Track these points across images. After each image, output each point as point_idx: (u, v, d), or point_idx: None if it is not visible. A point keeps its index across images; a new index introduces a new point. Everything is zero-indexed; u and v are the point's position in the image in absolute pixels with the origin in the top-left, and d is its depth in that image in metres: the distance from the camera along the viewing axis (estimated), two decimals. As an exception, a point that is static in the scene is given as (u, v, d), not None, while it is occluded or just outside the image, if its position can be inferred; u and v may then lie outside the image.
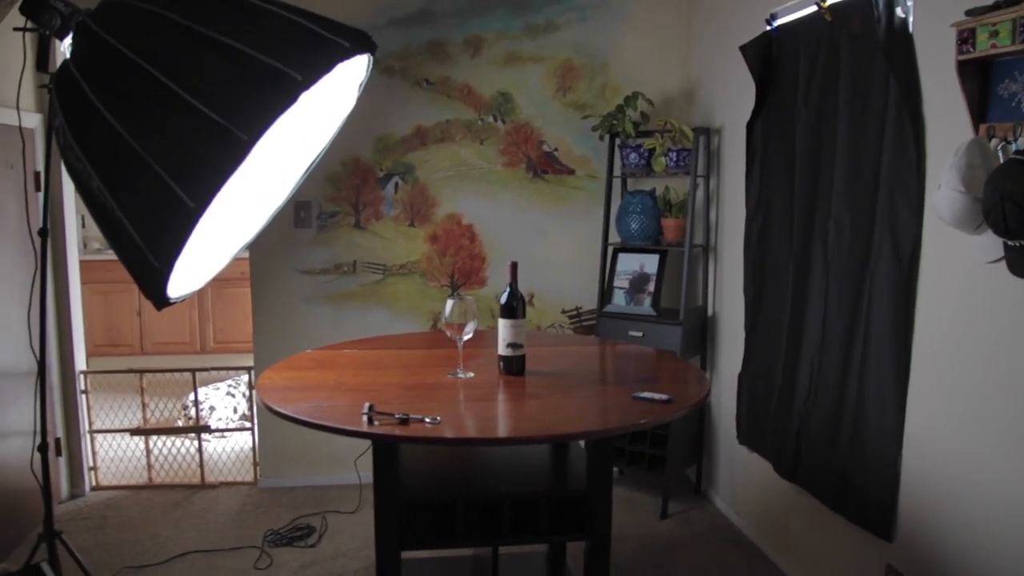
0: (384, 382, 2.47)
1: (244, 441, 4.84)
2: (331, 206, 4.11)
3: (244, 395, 5.28)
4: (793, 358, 3.21)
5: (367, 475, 4.16)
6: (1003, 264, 2.16)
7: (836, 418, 2.91)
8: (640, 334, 3.88)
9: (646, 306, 3.98)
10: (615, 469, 4.37)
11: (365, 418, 2.08)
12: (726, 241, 3.91)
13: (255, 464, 4.36)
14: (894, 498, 2.65)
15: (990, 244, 2.20)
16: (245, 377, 4.78)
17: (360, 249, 4.14)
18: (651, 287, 3.98)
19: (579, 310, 4.31)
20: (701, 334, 4.09)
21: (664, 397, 2.26)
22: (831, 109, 2.94)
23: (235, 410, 5.27)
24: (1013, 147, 2.10)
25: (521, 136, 4.16)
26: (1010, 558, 2.18)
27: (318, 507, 4.03)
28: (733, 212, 3.80)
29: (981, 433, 2.28)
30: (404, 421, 2.06)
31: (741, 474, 3.82)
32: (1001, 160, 2.10)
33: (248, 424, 4.60)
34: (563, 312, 4.29)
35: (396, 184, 4.10)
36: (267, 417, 4.17)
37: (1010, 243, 2.10)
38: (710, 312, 4.11)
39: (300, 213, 4.08)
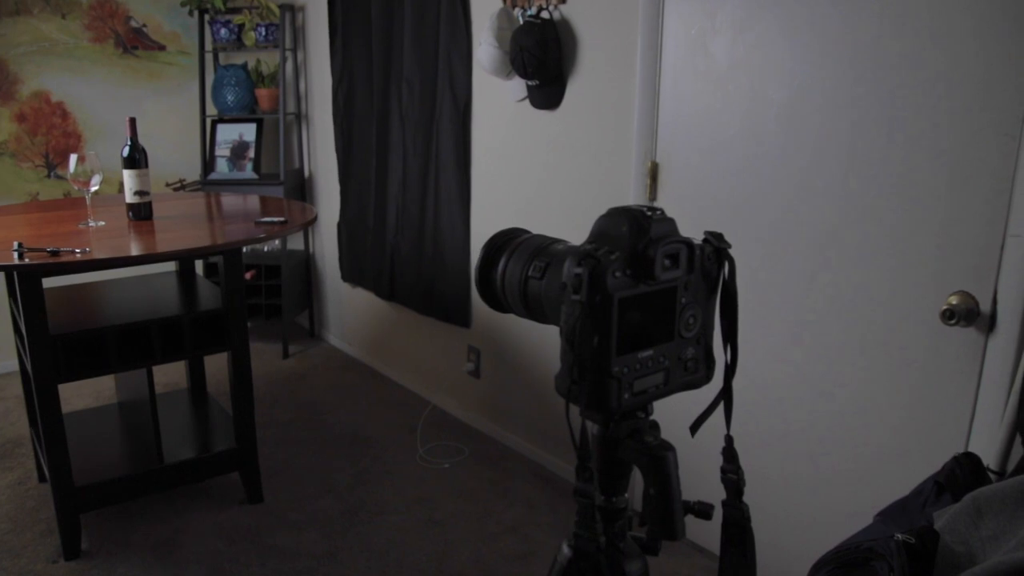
0: (15, 236, 2.55)
1: None
2: None
3: None
4: (382, 200, 3.87)
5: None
6: (528, 101, 2.97)
7: (420, 240, 3.63)
8: (247, 197, 4.27)
9: (248, 171, 4.37)
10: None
11: (16, 254, 2.29)
12: (316, 108, 4.41)
13: None
14: (467, 293, 3.46)
15: (518, 86, 3.00)
16: None
17: (-67, 131, 3.93)
18: (251, 153, 4.37)
19: (182, 181, 4.54)
20: (301, 193, 4.59)
21: (281, 219, 2.77)
22: (397, -13, 3.55)
23: None
24: (528, 12, 2.87)
25: (106, 11, 4.18)
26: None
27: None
28: (320, 81, 4.31)
29: (528, 227, 3.12)
30: (55, 253, 2.32)
31: (348, 310, 4.47)
32: (520, 23, 2.86)
33: None
34: (167, 185, 4.48)
35: (-31, 60, 3.93)
36: None
37: (530, 83, 2.91)
38: (307, 173, 4.62)
39: None
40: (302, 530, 2.80)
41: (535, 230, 0.97)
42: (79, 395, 3.64)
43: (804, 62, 2.12)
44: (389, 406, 3.84)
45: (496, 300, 0.93)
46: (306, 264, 4.69)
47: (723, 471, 0.89)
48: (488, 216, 3.28)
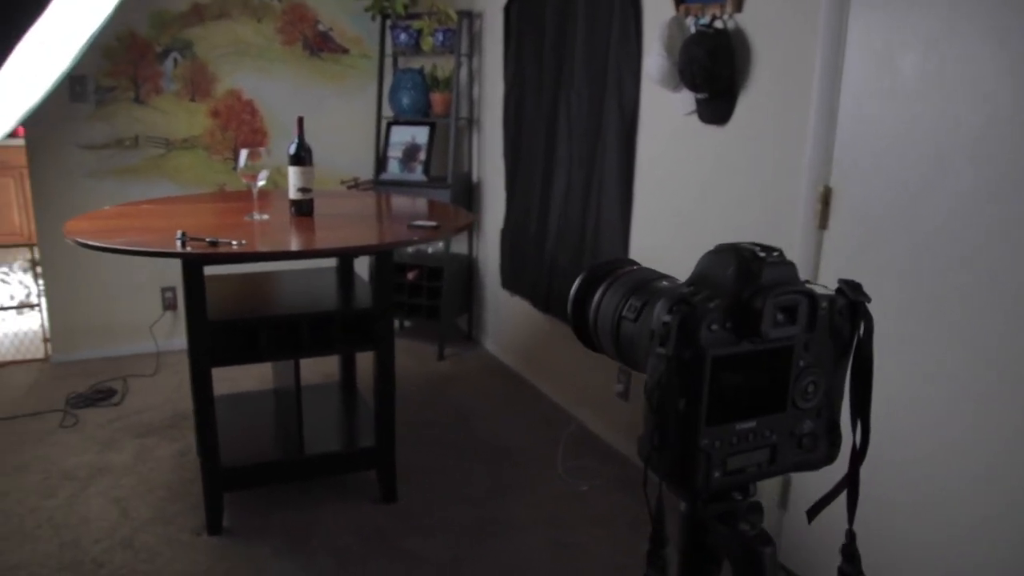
0: (188, 224, 2.67)
1: (26, 324, 4.82)
2: (108, 80, 4.13)
3: (20, 281, 5.27)
4: (545, 210, 3.81)
5: (164, 342, 4.40)
6: (695, 115, 2.82)
7: (579, 252, 3.54)
8: (414, 198, 4.34)
9: (418, 173, 4.44)
10: (396, 323, 4.88)
11: (179, 242, 2.40)
12: (487, 114, 4.42)
13: (45, 341, 4.39)
14: (620, 311, 3.32)
15: (686, 99, 2.85)
16: (18, 263, 4.80)
17: (141, 123, 4.23)
18: (422, 156, 4.44)
19: (357, 180, 4.68)
20: (468, 198, 4.62)
21: (434, 223, 2.75)
22: (573, -4, 3.48)
23: (11, 297, 5.23)
24: (701, 21, 2.72)
25: (297, 15, 4.38)
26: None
27: (117, 374, 4.15)
28: (493, 88, 4.31)
29: (687, 246, 2.97)
30: (214, 244, 2.41)
31: (505, 317, 4.44)
32: (692, 32, 2.71)
33: (34, 302, 4.62)
34: (342, 183, 4.64)
35: (175, 60, 4.21)
36: (57, 292, 4.25)
37: (698, 96, 2.75)
38: (475, 178, 4.64)
39: (76, 87, 4.08)
40: (431, 536, 2.78)
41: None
42: (246, 376, 3.79)
43: (1013, 79, 1.85)
44: (534, 418, 3.77)
45: (588, 338, 0.82)
46: (468, 268, 4.71)
47: (840, 571, 0.74)
48: (647, 232, 3.14)
